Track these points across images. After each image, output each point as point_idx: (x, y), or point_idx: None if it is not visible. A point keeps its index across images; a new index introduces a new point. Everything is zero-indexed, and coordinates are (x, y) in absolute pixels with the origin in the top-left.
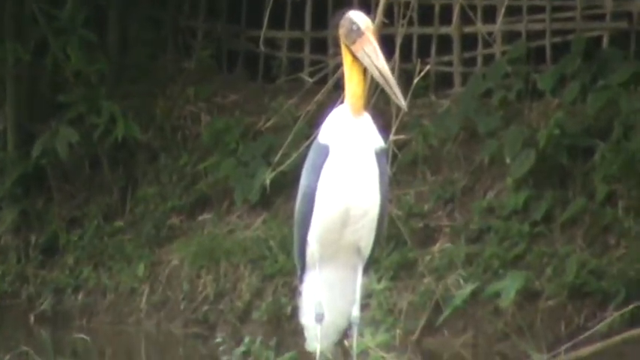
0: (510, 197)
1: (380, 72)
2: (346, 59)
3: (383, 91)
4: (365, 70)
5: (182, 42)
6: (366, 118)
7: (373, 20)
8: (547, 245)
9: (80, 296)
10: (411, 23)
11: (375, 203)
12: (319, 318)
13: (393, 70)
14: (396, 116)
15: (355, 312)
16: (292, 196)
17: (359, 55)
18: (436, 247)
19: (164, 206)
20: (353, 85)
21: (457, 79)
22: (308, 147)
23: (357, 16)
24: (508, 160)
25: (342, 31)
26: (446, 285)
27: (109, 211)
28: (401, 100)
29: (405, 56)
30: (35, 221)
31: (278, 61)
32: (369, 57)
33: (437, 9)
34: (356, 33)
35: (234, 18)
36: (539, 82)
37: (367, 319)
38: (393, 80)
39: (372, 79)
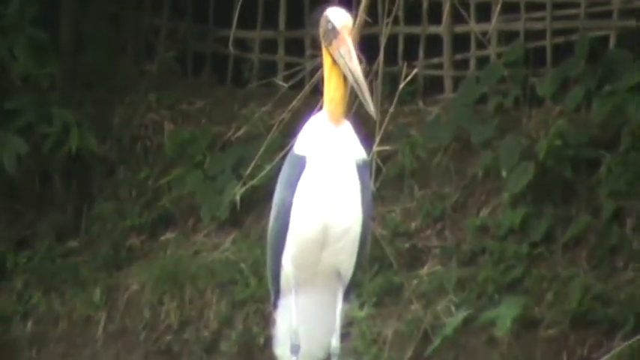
0: (507, 215)
1: (352, 74)
2: (326, 61)
3: None
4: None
5: (143, 42)
6: (347, 127)
7: (355, 18)
8: (547, 268)
9: (29, 324)
10: (396, 22)
11: (357, 221)
12: (295, 349)
13: (376, 73)
14: (380, 125)
15: (335, 342)
16: (265, 214)
17: (335, 56)
18: (424, 270)
19: (123, 225)
20: (331, 90)
21: (448, 84)
22: (282, 159)
23: (333, 14)
24: (504, 174)
25: (320, 31)
26: (435, 312)
27: (62, 230)
28: (370, 107)
29: (391, 58)
30: None
31: (249, 63)
32: (343, 58)
33: (425, 6)
34: (332, 33)
35: (200, 16)
36: (538, 86)
37: (348, 349)
38: (364, 84)
39: (351, 85)
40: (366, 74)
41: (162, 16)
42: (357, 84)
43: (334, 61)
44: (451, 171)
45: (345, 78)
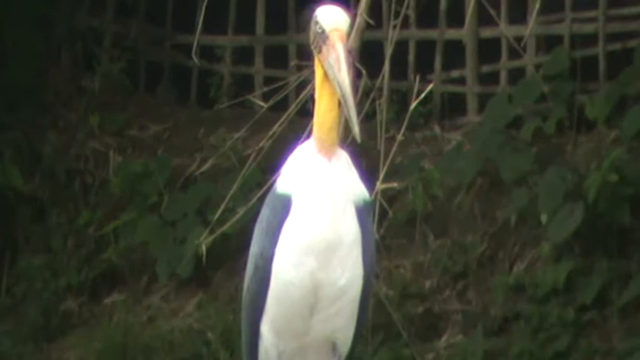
0: (548, 271)
1: (339, 87)
2: (317, 74)
3: (367, 120)
4: None
5: (82, 51)
6: (343, 159)
7: (354, 19)
8: (601, 339)
9: None
10: (406, 24)
11: (356, 279)
12: None
13: (380, 90)
14: (385, 156)
15: None
16: (239, 269)
17: (325, 67)
18: (442, 342)
19: (56, 284)
20: (322, 112)
21: (472, 104)
22: (262, 199)
23: (324, 14)
24: (544, 219)
25: (310, 36)
26: None
27: None
28: (355, 128)
29: (399, 71)
30: None
31: (218, 77)
32: (332, 69)
33: (443, 4)
34: (321, 37)
35: (156, 17)
36: (588, 107)
37: None
38: (351, 99)
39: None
40: (368, 91)
41: (105, 16)
42: (344, 99)
43: (326, 74)
44: (476, 215)
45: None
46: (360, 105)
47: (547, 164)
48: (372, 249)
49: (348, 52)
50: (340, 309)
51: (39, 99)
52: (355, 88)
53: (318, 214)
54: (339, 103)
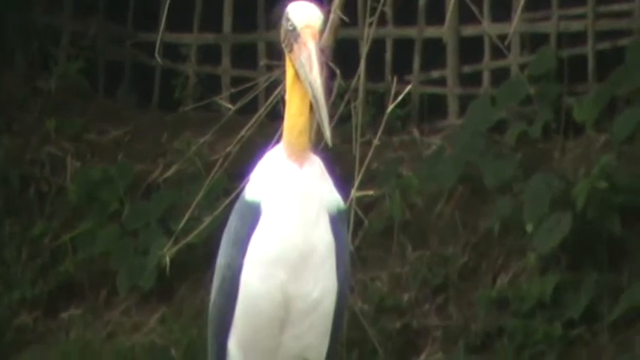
0: (533, 284)
1: (310, 87)
2: (288, 74)
3: (341, 124)
4: None
5: (37, 50)
6: (316, 165)
7: (327, 16)
8: (590, 356)
9: None
10: (383, 22)
11: (329, 292)
12: None
13: (356, 91)
14: (361, 162)
15: None
16: (204, 282)
17: (297, 66)
18: (421, 359)
19: (9, 297)
20: (292, 115)
21: (453, 106)
22: (229, 207)
23: (295, 11)
24: (529, 228)
25: (280, 33)
26: None
27: None
28: (327, 131)
29: (376, 71)
30: None
31: (182, 78)
32: (303, 68)
33: (422, 1)
34: (292, 35)
35: (117, 14)
36: (576, 110)
37: None
38: (322, 100)
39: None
40: (343, 92)
41: (63, 13)
42: (315, 100)
43: (297, 74)
44: (457, 224)
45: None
46: (333, 107)
47: (533, 170)
48: (346, 260)
49: (321, 50)
50: (312, 324)
51: None
52: (328, 89)
53: (289, 223)
54: (311, 106)
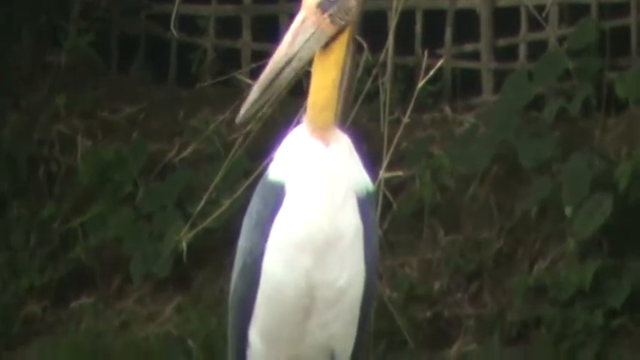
0: (573, 271)
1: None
2: None
3: (368, 101)
4: (342, 68)
5: (46, 22)
6: (343, 143)
7: None
8: (632, 347)
9: None
10: None
11: (357, 279)
12: None
13: (384, 65)
14: (390, 140)
15: None
16: (224, 269)
17: None
18: (454, 351)
19: (16, 285)
20: (314, 90)
21: (487, 81)
22: (249, 189)
23: None
24: (569, 212)
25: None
26: None
27: None
28: (243, 108)
29: (405, 44)
30: None
31: (200, 52)
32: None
33: None
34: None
35: None
36: (618, 85)
37: None
38: (265, 77)
39: (350, 81)
40: (370, 67)
41: None
42: (264, 73)
43: (323, 48)
44: (491, 207)
45: (337, 74)
46: (360, 83)
47: (572, 150)
48: (375, 245)
49: (314, 23)
50: (339, 313)
51: None
52: (355, 63)
53: (314, 205)
54: (337, 81)
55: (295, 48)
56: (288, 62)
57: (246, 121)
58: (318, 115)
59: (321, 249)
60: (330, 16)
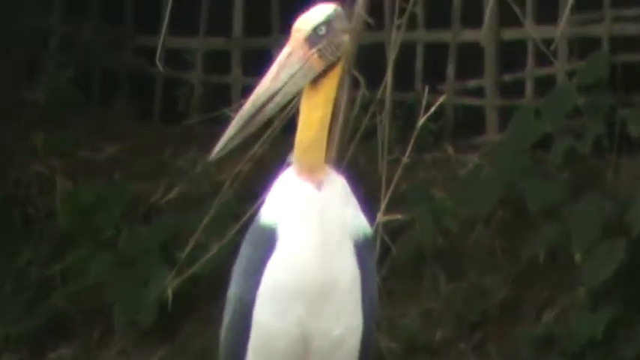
0: (583, 320)
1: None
2: None
3: (366, 140)
4: (335, 104)
5: (23, 55)
6: (338, 185)
7: (351, 19)
8: None
9: None
10: (413, 24)
11: (354, 330)
12: None
13: (382, 102)
14: (388, 182)
15: None
16: (212, 318)
17: None
18: None
19: None
20: (301, 127)
21: (491, 119)
22: (239, 234)
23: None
24: (578, 258)
25: None
26: None
27: None
28: (219, 145)
29: (405, 79)
30: None
31: (187, 88)
32: None
33: (456, 1)
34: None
35: (113, 15)
36: (631, 123)
37: None
38: (244, 113)
39: (346, 119)
40: (368, 104)
41: (52, 14)
42: (245, 107)
43: (311, 84)
44: (497, 253)
45: (326, 112)
46: (357, 120)
47: (582, 192)
48: (373, 293)
49: (299, 56)
50: None
51: None
52: (351, 99)
53: (307, 251)
54: (326, 120)
55: (279, 83)
56: (271, 97)
57: (220, 158)
58: (304, 156)
59: (315, 297)
60: (319, 50)
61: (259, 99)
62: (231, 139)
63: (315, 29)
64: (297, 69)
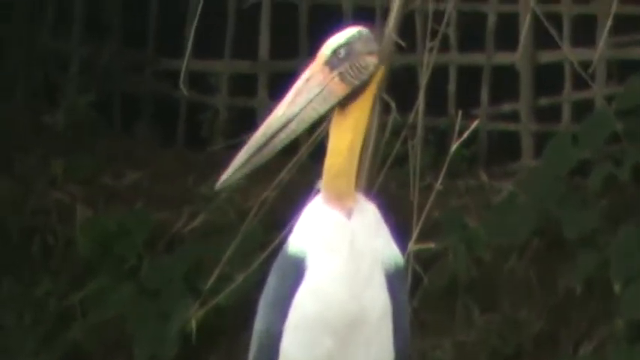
0: (622, 353)
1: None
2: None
3: (397, 166)
4: (363, 132)
5: (42, 79)
6: (369, 213)
7: (380, 39)
8: None
9: None
10: (446, 46)
11: None
12: None
13: (413, 127)
14: (420, 209)
15: None
16: (237, 351)
17: None
18: None
19: None
20: (330, 154)
21: (527, 145)
22: (265, 263)
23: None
24: (617, 289)
25: None
26: None
27: None
28: (225, 174)
29: (437, 103)
30: None
31: (211, 112)
32: None
33: (491, 23)
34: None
35: (135, 38)
36: None
37: None
38: (257, 138)
39: (377, 144)
40: (399, 129)
41: (72, 37)
42: (257, 133)
43: (340, 110)
44: (532, 283)
45: (355, 138)
46: (388, 146)
47: (621, 220)
48: (405, 326)
49: (320, 83)
50: None
51: None
52: (382, 125)
53: (336, 282)
54: (356, 146)
55: (295, 109)
56: (286, 124)
57: (227, 188)
58: (333, 182)
59: (345, 330)
60: (340, 74)
61: (272, 126)
62: (240, 168)
63: (335, 52)
64: (316, 94)
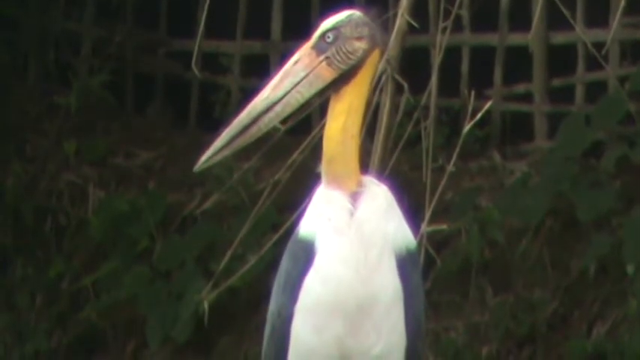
0: (636, 334)
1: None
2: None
3: (410, 147)
4: (365, 112)
5: (55, 60)
6: (377, 196)
7: (393, 20)
8: None
9: None
10: (459, 27)
11: (395, 347)
12: None
13: (426, 108)
14: (433, 190)
15: None
16: (249, 333)
17: None
18: None
19: (21, 350)
20: (324, 140)
21: (540, 126)
22: (278, 245)
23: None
24: (631, 270)
25: None
26: None
27: None
28: (204, 155)
29: (450, 84)
30: None
31: (224, 93)
32: None
33: (504, 3)
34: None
35: (147, 19)
36: None
37: None
38: (240, 120)
39: (389, 125)
40: (411, 110)
41: (84, 18)
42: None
43: (337, 89)
44: (545, 264)
45: (348, 122)
46: (401, 127)
47: (634, 202)
48: (418, 309)
49: (308, 64)
50: None
51: (0, 120)
52: (395, 106)
53: (344, 265)
54: (350, 130)
55: (280, 92)
56: (271, 107)
57: (204, 170)
58: (329, 167)
59: (354, 313)
60: (327, 58)
61: (256, 108)
62: (222, 149)
63: (323, 36)
64: (302, 78)
